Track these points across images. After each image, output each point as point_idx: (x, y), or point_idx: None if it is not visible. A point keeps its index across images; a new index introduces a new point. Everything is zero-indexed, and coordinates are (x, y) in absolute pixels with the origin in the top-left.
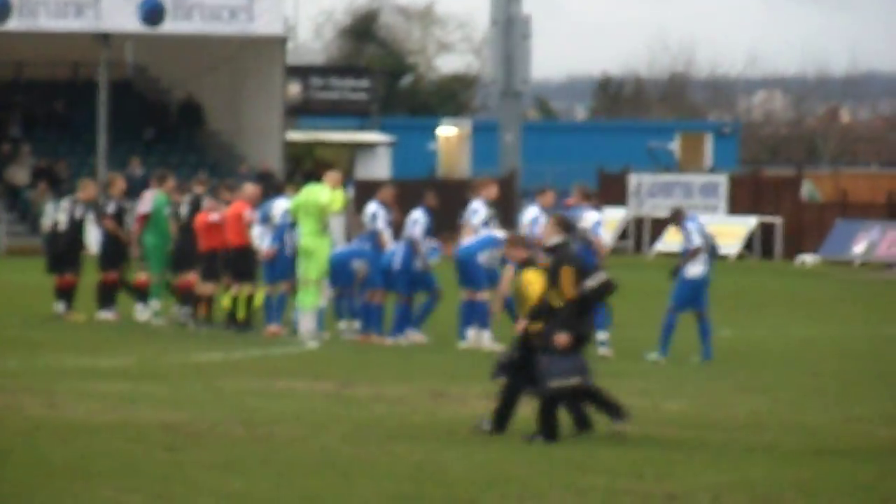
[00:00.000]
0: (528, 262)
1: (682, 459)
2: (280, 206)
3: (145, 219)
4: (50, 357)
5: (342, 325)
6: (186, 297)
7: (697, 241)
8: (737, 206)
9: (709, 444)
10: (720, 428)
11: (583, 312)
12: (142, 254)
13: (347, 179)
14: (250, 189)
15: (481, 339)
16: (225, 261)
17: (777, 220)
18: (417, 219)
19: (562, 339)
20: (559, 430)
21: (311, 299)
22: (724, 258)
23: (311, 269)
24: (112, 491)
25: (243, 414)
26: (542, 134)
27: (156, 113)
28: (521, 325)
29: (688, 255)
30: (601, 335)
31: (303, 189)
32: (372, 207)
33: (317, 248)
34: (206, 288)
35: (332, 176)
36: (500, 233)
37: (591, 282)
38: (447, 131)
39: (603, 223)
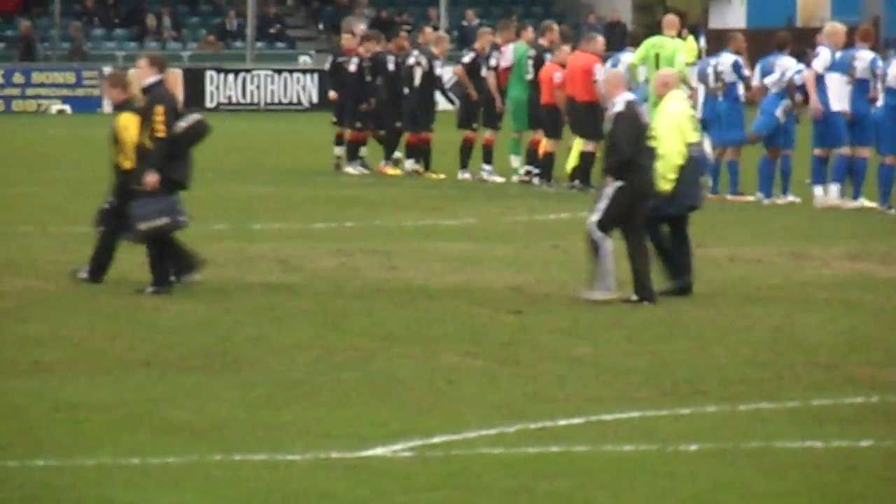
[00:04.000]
0: (124, 105)
1: None
2: (626, 60)
3: (508, 72)
4: (389, 217)
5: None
6: (531, 155)
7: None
8: None
9: None
10: None
11: (175, 155)
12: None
13: (700, 28)
14: (600, 42)
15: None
16: (570, 117)
17: None
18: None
19: (150, 178)
20: (169, 276)
21: None
22: None
23: None
24: (454, 356)
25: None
26: None
27: None
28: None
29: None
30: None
31: (647, 41)
32: (731, 59)
33: None
34: (549, 145)
35: (670, 20)
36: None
37: (183, 122)
38: None
39: None
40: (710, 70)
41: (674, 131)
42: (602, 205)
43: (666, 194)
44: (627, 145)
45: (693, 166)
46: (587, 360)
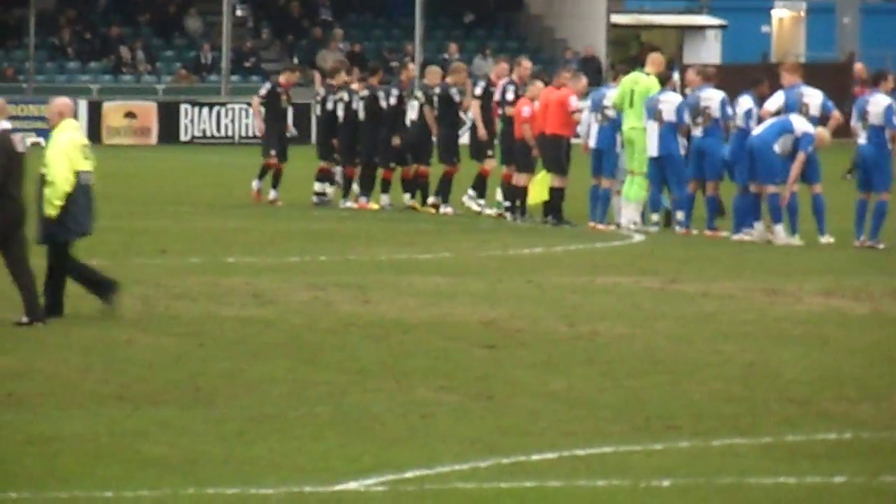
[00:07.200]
0: None
1: None
2: (611, 95)
3: (498, 106)
4: (363, 251)
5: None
6: (506, 189)
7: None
8: None
9: None
10: None
11: None
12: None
13: (675, 63)
14: (584, 82)
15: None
16: (541, 151)
17: None
18: (751, 110)
19: None
20: None
21: (636, 191)
22: None
23: (635, 160)
24: (428, 390)
25: (565, 310)
26: (883, 16)
27: None
28: None
29: None
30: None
31: (626, 77)
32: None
33: (638, 139)
34: (521, 178)
35: (655, 59)
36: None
37: None
38: (781, 13)
39: None
40: (662, 105)
41: (63, 159)
42: None
43: (54, 220)
44: (0, 172)
45: (84, 194)
46: (561, 395)
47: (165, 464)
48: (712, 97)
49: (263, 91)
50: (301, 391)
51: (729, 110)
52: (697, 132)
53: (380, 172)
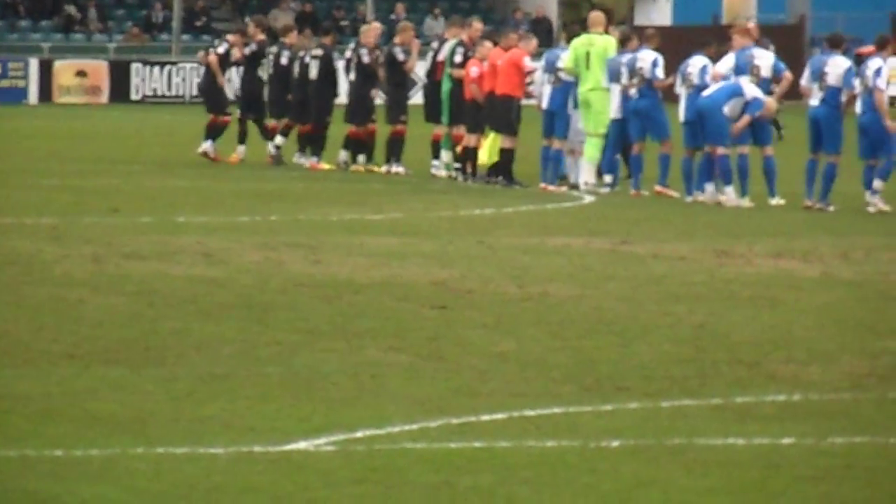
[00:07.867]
0: None
1: None
2: (564, 57)
3: (442, 66)
4: (313, 211)
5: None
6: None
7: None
8: None
9: None
10: None
11: None
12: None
13: (626, 25)
14: (534, 44)
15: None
16: (489, 111)
17: None
18: (706, 66)
19: None
20: None
21: (591, 151)
22: None
23: (591, 122)
24: (378, 351)
25: (515, 271)
26: None
27: None
28: None
29: None
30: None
31: (577, 40)
32: (653, 56)
33: (596, 100)
34: (472, 139)
35: (596, 18)
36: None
37: None
38: None
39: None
40: (623, 67)
41: None
42: None
43: None
44: None
45: None
46: (510, 356)
47: (115, 423)
48: (645, 58)
49: (221, 50)
50: (251, 351)
51: (658, 72)
52: (633, 93)
53: (334, 130)
